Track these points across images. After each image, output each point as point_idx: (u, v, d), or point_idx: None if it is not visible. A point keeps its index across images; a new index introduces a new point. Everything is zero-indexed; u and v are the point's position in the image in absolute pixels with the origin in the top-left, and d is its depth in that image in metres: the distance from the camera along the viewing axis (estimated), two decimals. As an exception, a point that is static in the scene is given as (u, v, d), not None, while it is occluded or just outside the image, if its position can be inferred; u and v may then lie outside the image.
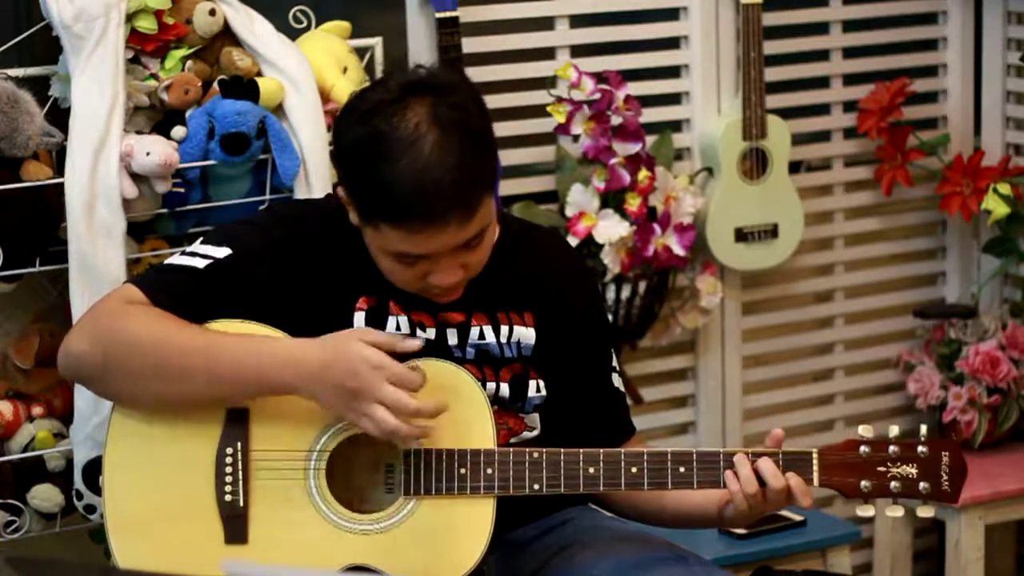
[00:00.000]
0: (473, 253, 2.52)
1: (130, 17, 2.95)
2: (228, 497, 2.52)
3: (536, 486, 2.51)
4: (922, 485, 2.54)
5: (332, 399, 2.46)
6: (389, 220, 2.45)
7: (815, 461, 2.53)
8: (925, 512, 2.57)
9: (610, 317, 3.60)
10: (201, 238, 2.64)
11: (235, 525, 2.51)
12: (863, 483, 2.53)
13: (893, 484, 2.54)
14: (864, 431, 2.56)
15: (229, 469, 2.52)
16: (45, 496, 3.00)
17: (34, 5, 2.98)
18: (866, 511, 2.56)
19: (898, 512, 2.57)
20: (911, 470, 2.54)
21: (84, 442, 2.91)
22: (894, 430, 2.56)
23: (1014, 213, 3.84)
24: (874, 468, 2.54)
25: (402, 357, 2.48)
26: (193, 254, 2.58)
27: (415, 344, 2.48)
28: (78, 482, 2.94)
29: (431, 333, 2.60)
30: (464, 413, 2.51)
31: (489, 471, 2.50)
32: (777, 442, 2.55)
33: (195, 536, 2.51)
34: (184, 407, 2.52)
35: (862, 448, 2.54)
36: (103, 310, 2.55)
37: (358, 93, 2.55)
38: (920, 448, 2.54)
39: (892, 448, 2.54)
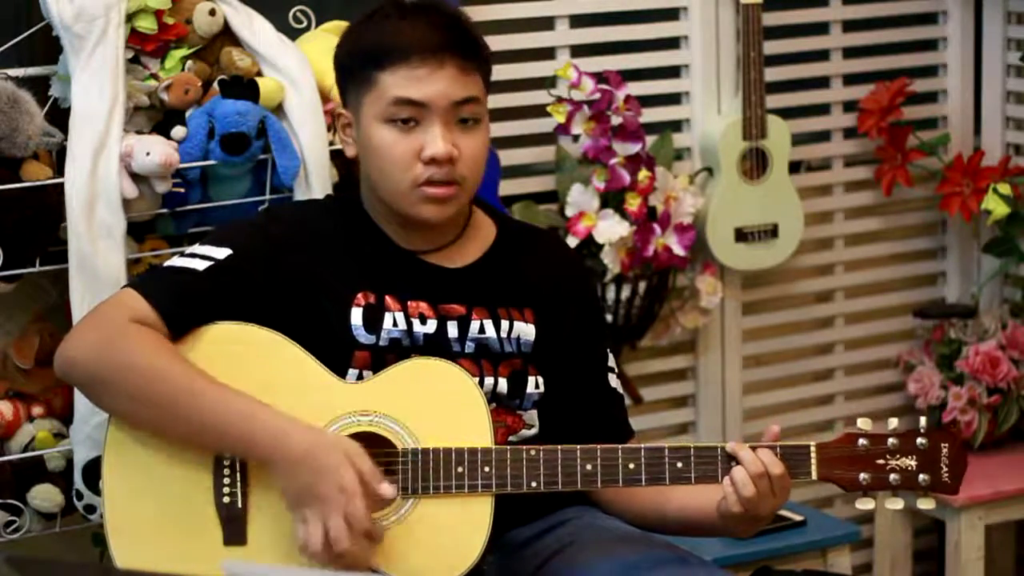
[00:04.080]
0: (467, 135, 2.58)
1: (130, 17, 2.95)
2: (226, 499, 2.51)
3: (534, 483, 2.51)
4: (922, 477, 2.52)
5: (293, 489, 2.45)
6: (388, 60, 2.55)
7: (813, 454, 2.52)
8: (925, 504, 2.55)
9: (610, 317, 3.61)
10: (200, 240, 2.64)
11: (234, 527, 2.51)
12: (862, 476, 2.52)
13: (892, 476, 2.52)
14: (863, 424, 2.54)
15: (227, 471, 2.52)
16: (45, 496, 2.99)
17: (34, 5, 2.98)
18: (865, 504, 2.54)
19: (898, 504, 2.55)
20: (910, 462, 2.53)
21: (84, 442, 2.91)
22: (893, 422, 2.55)
23: (1014, 213, 3.84)
24: (873, 461, 2.52)
25: None
26: (193, 255, 2.59)
27: (389, 492, 2.43)
28: (78, 482, 2.94)
29: (431, 326, 2.60)
30: (461, 412, 2.51)
31: (487, 469, 2.50)
32: (774, 439, 2.54)
33: (194, 539, 2.51)
34: (164, 438, 2.52)
35: (860, 441, 2.53)
36: (107, 320, 2.54)
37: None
38: (919, 440, 2.53)
39: (891, 440, 2.53)
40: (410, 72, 2.55)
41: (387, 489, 2.44)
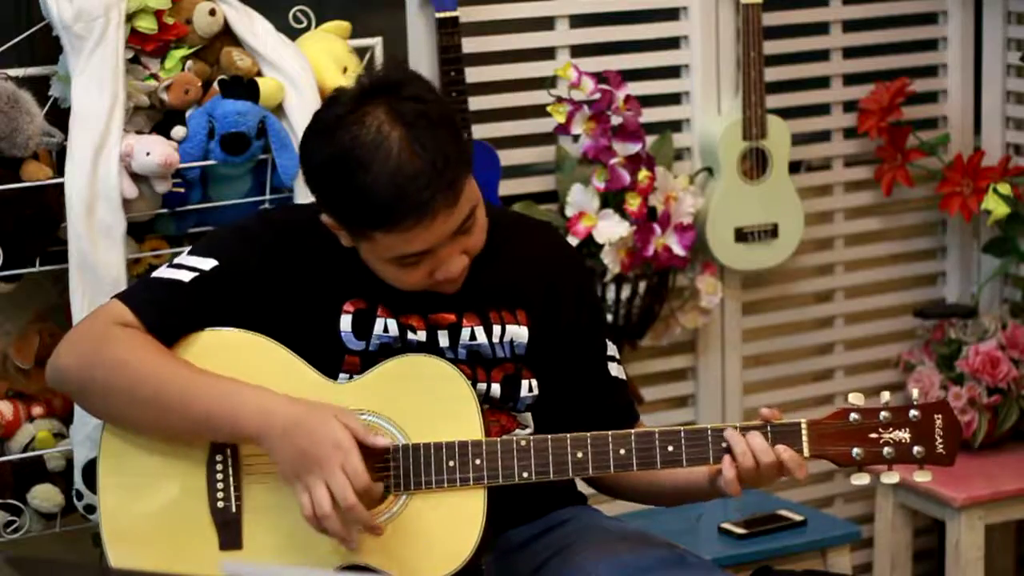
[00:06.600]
0: (470, 236, 2.52)
1: (130, 17, 2.95)
2: (220, 504, 2.51)
3: (525, 474, 2.50)
4: (916, 449, 2.50)
5: (286, 459, 2.44)
6: (379, 227, 2.45)
7: (804, 431, 2.50)
8: (922, 477, 2.51)
9: (610, 317, 3.61)
10: (188, 248, 2.63)
11: (229, 531, 2.51)
12: (855, 450, 2.49)
13: (886, 450, 2.50)
14: (855, 399, 2.52)
15: (220, 476, 2.52)
16: (45, 496, 3.00)
17: (34, 5, 2.98)
18: (860, 479, 2.51)
19: (894, 478, 2.52)
20: (904, 435, 2.50)
21: (84, 442, 2.91)
22: (885, 396, 2.52)
23: (1014, 213, 3.84)
24: (866, 435, 2.50)
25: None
26: (179, 266, 2.58)
27: (382, 442, 2.44)
28: (78, 482, 2.94)
29: (422, 335, 2.59)
30: (451, 407, 2.51)
31: (478, 462, 2.49)
32: (765, 419, 2.53)
33: (191, 545, 2.51)
34: (158, 435, 2.52)
35: (853, 416, 2.50)
36: (91, 330, 2.55)
37: (315, 115, 2.54)
38: (912, 412, 2.50)
39: (883, 414, 2.50)
40: (406, 233, 2.44)
41: (380, 440, 2.44)
